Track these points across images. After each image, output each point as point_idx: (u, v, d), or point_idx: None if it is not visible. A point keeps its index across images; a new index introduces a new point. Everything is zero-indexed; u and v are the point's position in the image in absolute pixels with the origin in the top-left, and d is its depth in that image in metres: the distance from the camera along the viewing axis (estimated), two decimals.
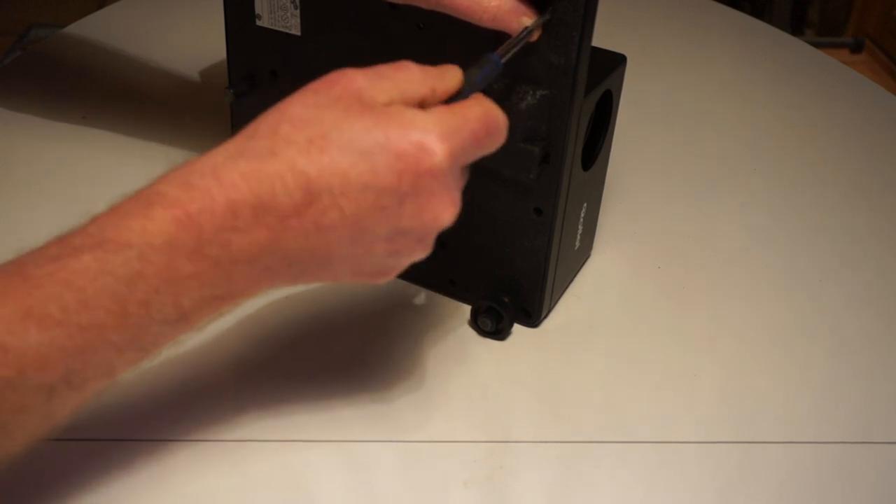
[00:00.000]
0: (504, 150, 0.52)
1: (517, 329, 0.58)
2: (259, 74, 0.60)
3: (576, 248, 0.60)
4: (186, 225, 0.36)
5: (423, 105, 0.41)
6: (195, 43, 0.86)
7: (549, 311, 0.59)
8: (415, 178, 0.38)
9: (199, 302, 0.38)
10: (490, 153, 0.42)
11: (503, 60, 0.46)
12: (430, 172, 0.38)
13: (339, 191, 0.37)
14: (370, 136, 0.37)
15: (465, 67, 0.46)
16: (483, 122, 0.41)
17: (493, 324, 0.56)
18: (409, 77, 0.41)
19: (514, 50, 0.47)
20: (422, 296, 0.60)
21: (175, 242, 0.36)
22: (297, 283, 0.41)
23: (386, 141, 0.38)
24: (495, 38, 0.48)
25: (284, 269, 0.39)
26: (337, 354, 0.55)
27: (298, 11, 0.56)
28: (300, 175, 0.37)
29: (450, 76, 0.43)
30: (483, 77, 0.45)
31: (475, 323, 0.57)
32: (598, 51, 0.53)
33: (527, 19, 0.47)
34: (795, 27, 2.33)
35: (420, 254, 0.42)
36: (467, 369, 0.55)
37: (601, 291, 0.62)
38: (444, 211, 0.40)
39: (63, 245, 0.36)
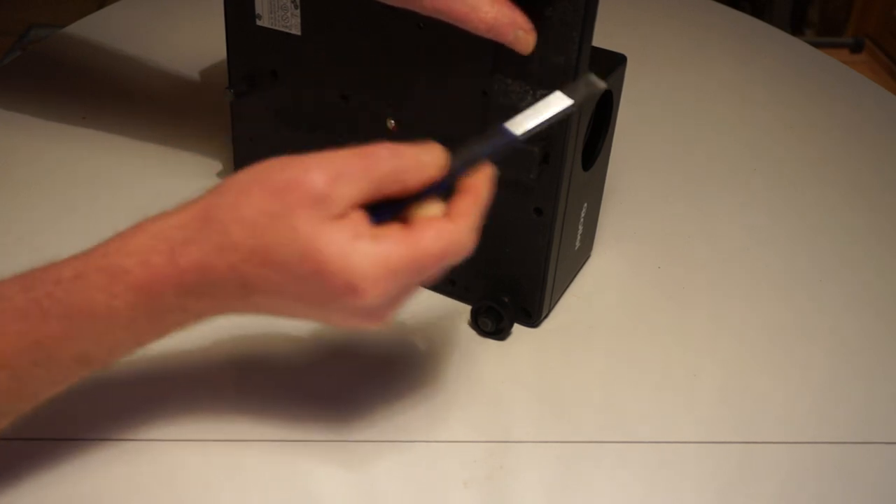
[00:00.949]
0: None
1: (517, 329, 0.58)
2: (259, 74, 0.60)
3: (576, 248, 0.60)
4: (146, 301, 0.40)
5: (392, 197, 0.40)
6: (195, 43, 0.86)
7: (550, 311, 0.59)
8: (342, 306, 0.40)
9: (157, 339, 0.43)
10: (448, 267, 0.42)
11: (524, 138, 0.42)
12: (356, 307, 0.40)
13: (274, 297, 0.41)
14: (305, 266, 0.39)
15: (464, 67, 0.46)
16: (433, 256, 0.40)
17: (493, 324, 0.56)
18: (377, 174, 0.40)
19: (538, 129, 0.43)
20: (422, 296, 0.60)
21: (135, 314, 0.41)
22: None
23: (319, 275, 0.39)
24: (494, 42, 0.48)
25: (231, 314, 0.44)
26: (337, 354, 0.55)
27: (298, 11, 0.56)
28: (241, 277, 0.40)
29: (428, 161, 0.41)
30: (487, 154, 0.42)
31: (475, 323, 0.57)
32: (598, 51, 0.53)
33: (561, 99, 0.44)
34: (795, 27, 2.33)
35: (363, 329, 0.44)
36: (467, 369, 0.55)
37: (601, 291, 0.62)
38: (370, 324, 0.42)
39: (30, 302, 0.40)
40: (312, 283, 0.39)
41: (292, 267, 0.39)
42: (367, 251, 0.39)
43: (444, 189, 0.41)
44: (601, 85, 0.44)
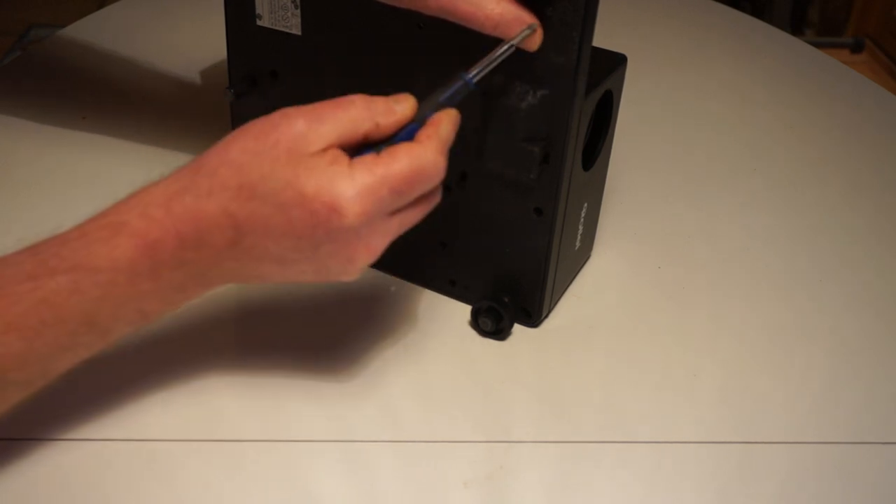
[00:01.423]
0: (504, 150, 0.52)
1: (517, 329, 0.58)
2: (259, 74, 0.60)
3: (576, 248, 0.60)
4: (146, 252, 0.42)
5: (367, 139, 0.43)
6: (195, 43, 0.86)
7: (550, 311, 0.59)
8: (327, 232, 0.42)
9: (158, 306, 0.45)
10: (422, 194, 0.44)
11: (475, 79, 0.46)
12: (341, 229, 0.42)
13: (262, 234, 0.42)
14: (288, 192, 0.41)
15: (465, 68, 0.46)
16: (406, 174, 0.42)
17: (493, 324, 0.56)
18: (352, 116, 0.43)
19: (489, 69, 0.47)
20: (422, 296, 0.60)
21: (136, 267, 0.42)
22: (242, 283, 0.47)
23: (301, 198, 0.41)
24: (496, 38, 0.48)
25: (228, 279, 0.46)
26: (337, 354, 0.55)
27: (299, 11, 0.56)
28: (231, 217, 0.42)
29: (400, 108, 0.44)
30: (446, 100, 0.45)
31: (475, 323, 0.57)
32: (598, 51, 0.53)
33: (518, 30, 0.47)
34: (795, 27, 2.33)
35: (348, 279, 0.45)
36: (467, 369, 0.55)
37: (601, 291, 0.62)
38: (359, 256, 0.43)
39: (37, 264, 0.42)
40: (297, 210, 0.41)
41: (277, 196, 0.41)
42: (345, 173, 0.41)
43: (412, 135, 0.44)
44: (534, 25, 0.48)
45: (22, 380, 0.43)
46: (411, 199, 0.44)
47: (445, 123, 0.45)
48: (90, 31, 0.90)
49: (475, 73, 0.46)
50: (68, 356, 0.43)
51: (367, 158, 0.42)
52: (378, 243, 0.44)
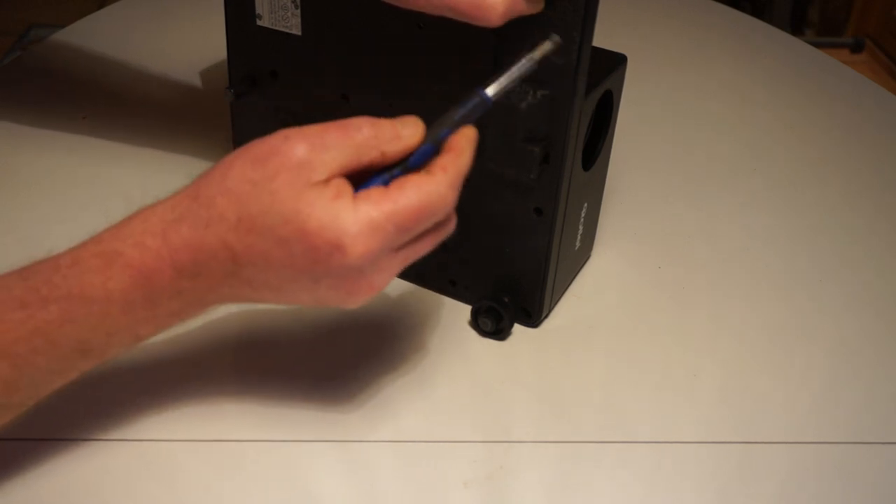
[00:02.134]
0: (504, 150, 0.52)
1: (517, 329, 0.58)
2: (259, 74, 0.60)
3: (576, 248, 0.60)
4: (141, 283, 0.41)
5: (373, 167, 0.41)
6: (195, 43, 0.86)
7: (550, 311, 0.59)
8: (328, 269, 0.40)
9: (155, 330, 0.44)
10: (432, 227, 0.43)
11: (494, 98, 0.44)
12: (343, 267, 0.40)
13: (262, 266, 0.41)
14: (289, 227, 0.40)
15: (464, 67, 0.46)
16: (415, 211, 0.40)
17: (493, 324, 0.56)
18: (357, 142, 0.41)
19: (508, 87, 0.45)
20: (422, 296, 0.60)
21: (131, 297, 0.41)
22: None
23: (302, 234, 0.40)
24: (496, 37, 0.48)
25: (226, 302, 0.44)
26: (337, 354, 0.55)
27: (299, 11, 0.56)
28: (229, 250, 0.41)
29: (407, 132, 0.42)
30: (461, 118, 0.43)
31: (475, 323, 0.57)
32: (598, 51, 0.53)
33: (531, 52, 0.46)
34: (795, 27, 2.33)
35: (348, 308, 0.44)
36: (467, 369, 0.55)
37: (601, 291, 0.62)
38: (361, 293, 0.42)
39: (29, 291, 0.41)
40: (297, 246, 0.40)
41: (277, 230, 0.40)
42: (349, 208, 0.39)
43: (425, 158, 0.42)
44: (556, 39, 0.47)
45: (12, 403, 0.42)
46: (418, 234, 0.42)
47: (466, 154, 0.43)
48: (90, 31, 0.90)
49: (493, 90, 0.44)
50: (59, 380, 0.43)
51: (374, 193, 0.40)
52: (381, 280, 0.42)
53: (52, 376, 0.42)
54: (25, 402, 0.43)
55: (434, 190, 0.41)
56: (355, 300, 0.42)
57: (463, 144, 0.43)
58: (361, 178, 0.42)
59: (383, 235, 0.40)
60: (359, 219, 0.39)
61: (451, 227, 0.44)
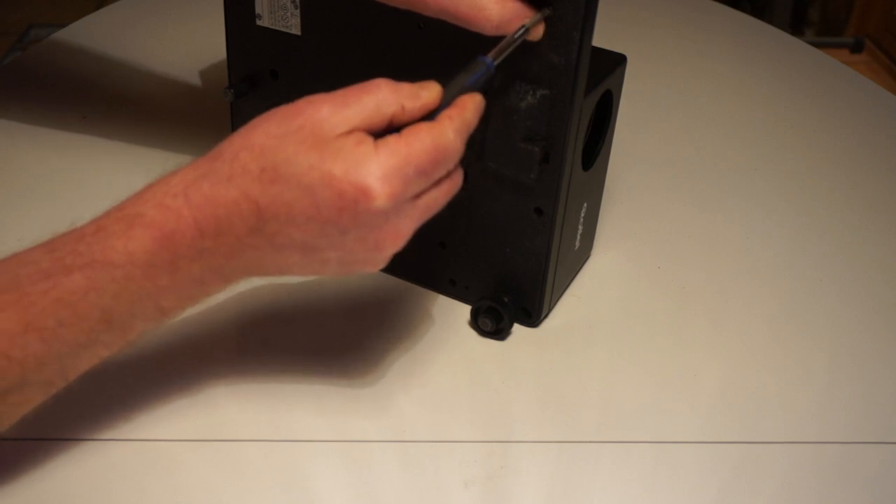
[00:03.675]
0: (504, 150, 0.52)
1: (517, 329, 0.58)
2: (259, 74, 0.60)
3: (576, 248, 0.60)
4: (163, 244, 0.41)
5: (392, 123, 0.42)
6: (195, 43, 0.86)
7: (550, 310, 0.59)
8: (355, 216, 0.40)
9: (177, 303, 0.44)
10: (444, 174, 0.43)
11: (495, 63, 0.46)
12: (370, 212, 0.40)
13: (286, 219, 0.41)
14: (314, 174, 0.40)
15: (464, 67, 0.46)
16: (430, 154, 0.41)
17: (493, 324, 0.56)
18: (377, 99, 0.42)
19: (508, 52, 0.46)
20: (422, 296, 0.60)
21: (153, 259, 0.41)
22: (265, 277, 0.45)
23: (328, 180, 0.40)
24: (496, 38, 0.48)
25: (250, 272, 0.44)
26: (336, 354, 0.55)
27: (298, 11, 0.56)
28: (252, 202, 0.41)
29: (426, 93, 0.43)
30: (471, 84, 0.45)
31: (475, 323, 0.57)
32: (598, 51, 0.53)
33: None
34: (795, 27, 2.33)
35: (373, 269, 0.44)
36: (467, 369, 0.55)
37: (601, 291, 0.62)
38: (387, 241, 0.42)
39: (54, 261, 0.41)
40: (323, 193, 0.40)
41: (301, 178, 0.40)
42: (372, 153, 0.40)
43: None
44: (541, 15, 0.48)
45: (41, 380, 0.42)
46: (434, 180, 0.43)
47: (471, 109, 0.44)
48: (90, 31, 0.90)
49: (495, 58, 0.46)
50: (87, 355, 0.43)
51: (391, 139, 0.41)
52: (405, 227, 0.43)
53: (79, 351, 0.42)
54: (54, 379, 0.42)
55: (442, 134, 0.42)
56: (382, 253, 0.43)
57: (468, 103, 0.44)
58: (381, 135, 0.42)
59: (405, 178, 0.41)
60: (382, 162, 0.40)
61: (459, 180, 0.45)
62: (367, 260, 0.43)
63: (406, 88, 0.43)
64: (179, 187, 0.41)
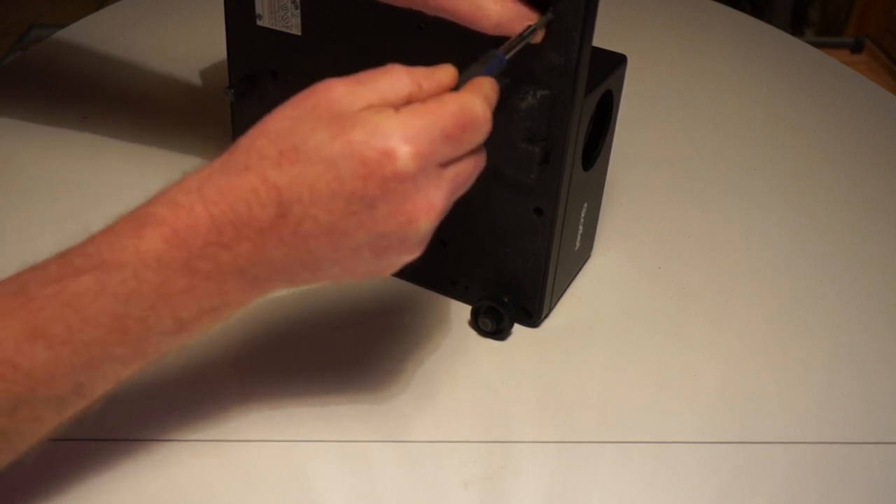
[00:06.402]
0: (504, 150, 0.52)
1: (517, 329, 0.58)
2: (259, 74, 0.60)
3: (576, 248, 0.60)
4: (175, 242, 0.38)
5: (409, 103, 0.40)
6: (195, 43, 0.86)
7: (550, 311, 0.59)
8: (381, 183, 0.38)
9: (196, 314, 0.40)
10: (473, 147, 0.41)
11: (507, 57, 0.45)
12: (397, 176, 0.38)
13: (309, 200, 0.38)
14: (334, 145, 0.38)
15: (464, 67, 0.46)
16: (457, 118, 0.40)
17: (493, 324, 0.56)
18: (392, 80, 0.40)
19: (518, 48, 0.46)
20: (422, 296, 0.60)
21: (166, 259, 0.38)
22: (292, 286, 0.42)
23: (349, 147, 0.38)
24: (496, 39, 0.48)
25: (275, 276, 0.41)
26: (337, 354, 0.55)
27: (299, 11, 0.56)
28: (271, 188, 0.38)
29: (441, 73, 0.42)
30: (485, 73, 0.44)
31: (475, 323, 0.57)
32: (598, 51, 0.53)
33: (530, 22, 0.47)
34: (795, 27, 2.33)
35: (408, 254, 0.41)
36: (467, 369, 0.55)
37: (601, 291, 0.62)
38: (420, 213, 0.39)
39: (63, 265, 0.38)
40: (345, 163, 0.38)
41: (322, 150, 0.38)
42: (392, 116, 0.38)
43: None
44: (549, 16, 0.48)
45: (52, 395, 0.39)
46: (462, 149, 0.41)
47: (488, 85, 0.42)
48: (90, 31, 0.90)
49: (507, 51, 0.45)
50: (102, 371, 0.40)
51: (414, 105, 0.39)
52: (436, 198, 0.40)
53: (92, 365, 0.39)
54: (67, 396, 0.39)
55: (471, 100, 0.40)
56: (415, 227, 0.39)
57: (486, 82, 0.43)
58: None
59: (430, 138, 0.39)
60: (404, 122, 0.38)
61: (485, 157, 0.43)
62: (401, 239, 0.40)
63: (421, 70, 0.41)
64: (193, 185, 0.39)
